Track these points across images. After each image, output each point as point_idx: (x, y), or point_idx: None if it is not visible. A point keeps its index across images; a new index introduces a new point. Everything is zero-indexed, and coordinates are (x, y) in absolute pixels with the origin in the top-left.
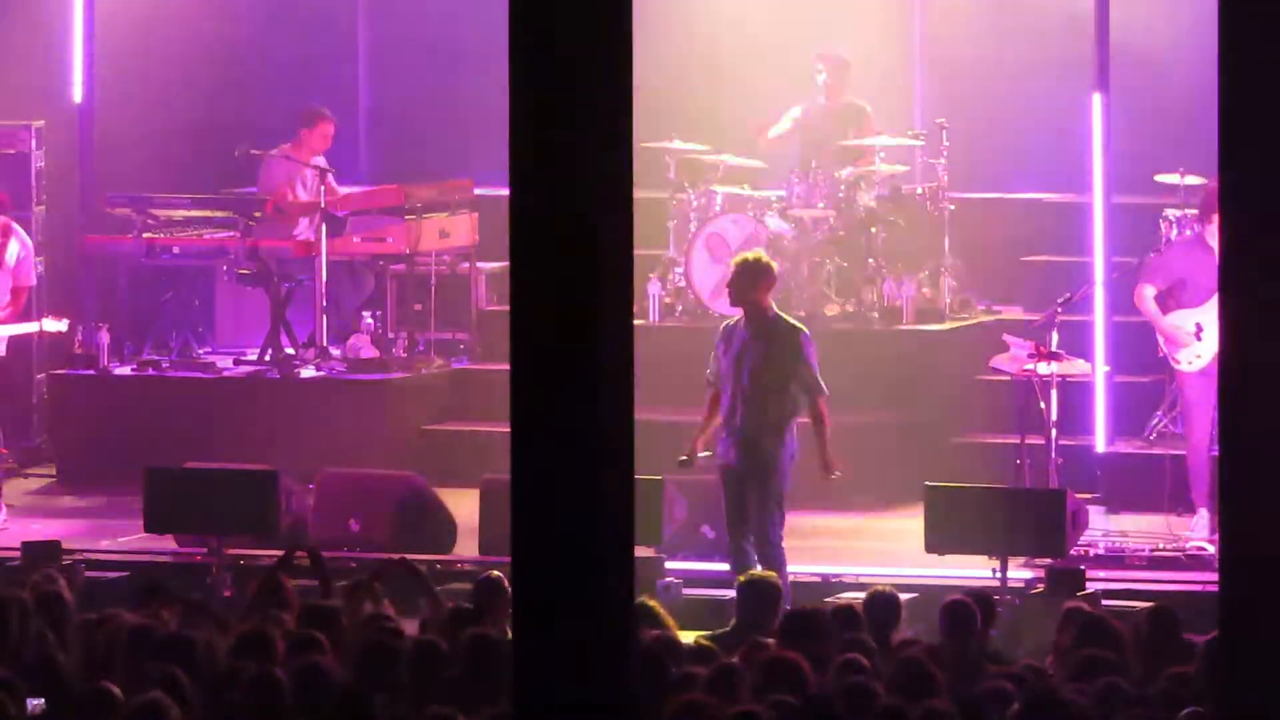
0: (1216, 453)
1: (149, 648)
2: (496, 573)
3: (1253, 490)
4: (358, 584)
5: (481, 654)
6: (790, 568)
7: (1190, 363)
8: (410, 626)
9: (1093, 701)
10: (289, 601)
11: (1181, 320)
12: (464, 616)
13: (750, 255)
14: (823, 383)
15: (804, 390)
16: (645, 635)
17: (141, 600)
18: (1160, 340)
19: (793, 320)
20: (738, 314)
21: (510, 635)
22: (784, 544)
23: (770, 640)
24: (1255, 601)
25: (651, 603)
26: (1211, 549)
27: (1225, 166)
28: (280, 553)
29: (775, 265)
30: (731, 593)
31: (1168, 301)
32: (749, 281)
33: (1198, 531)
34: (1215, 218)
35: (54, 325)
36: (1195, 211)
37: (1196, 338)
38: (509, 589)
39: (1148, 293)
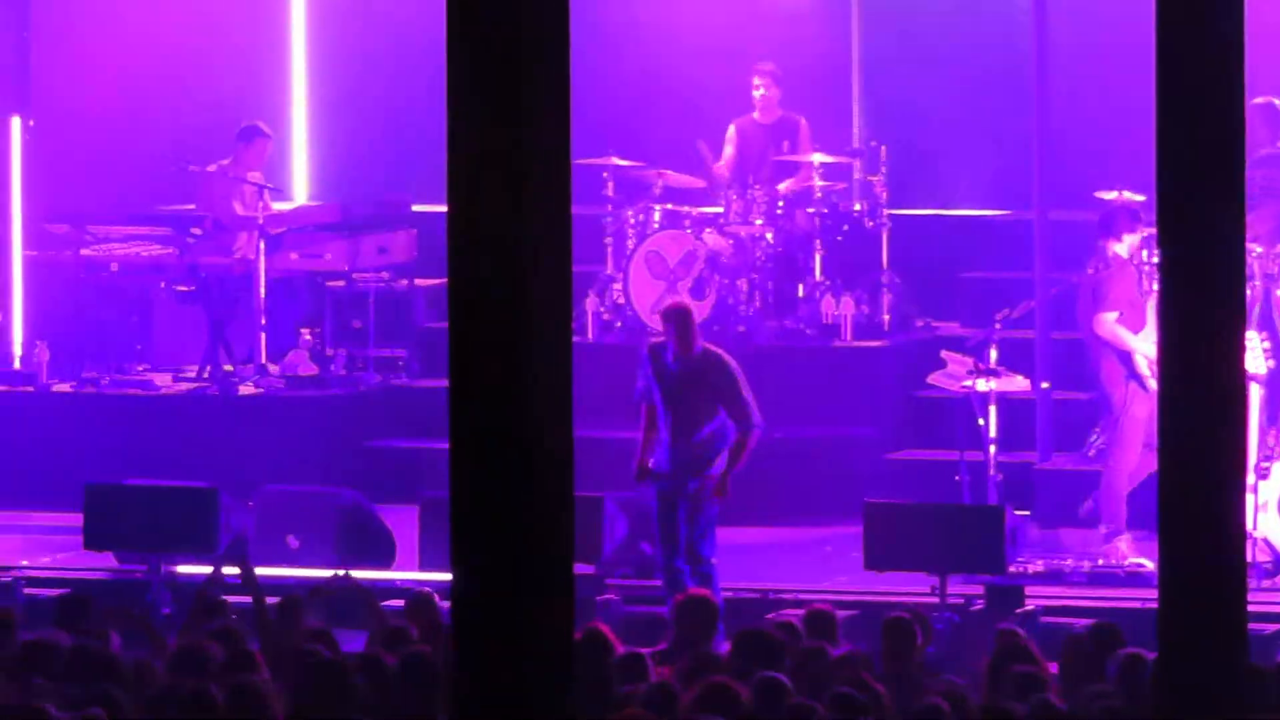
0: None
1: (85, 667)
2: (426, 589)
3: (1191, 508)
4: (294, 600)
5: (414, 672)
6: (729, 584)
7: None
8: (349, 642)
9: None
10: (225, 617)
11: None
12: (406, 634)
13: (676, 305)
14: (756, 415)
15: (735, 419)
16: (591, 652)
17: (69, 617)
18: (1143, 362)
19: (720, 351)
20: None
21: (440, 652)
22: (717, 561)
23: (715, 656)
24: (1194, 618)
25: (602, 627)
26: (1150, 566)
27: (1162, 184)
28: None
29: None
30: None
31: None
32: (692, 326)
33: (1117, 555)
34: (1125, 236)
35: None
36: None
37: None
38: (439, 605)
39: (1112, 318)
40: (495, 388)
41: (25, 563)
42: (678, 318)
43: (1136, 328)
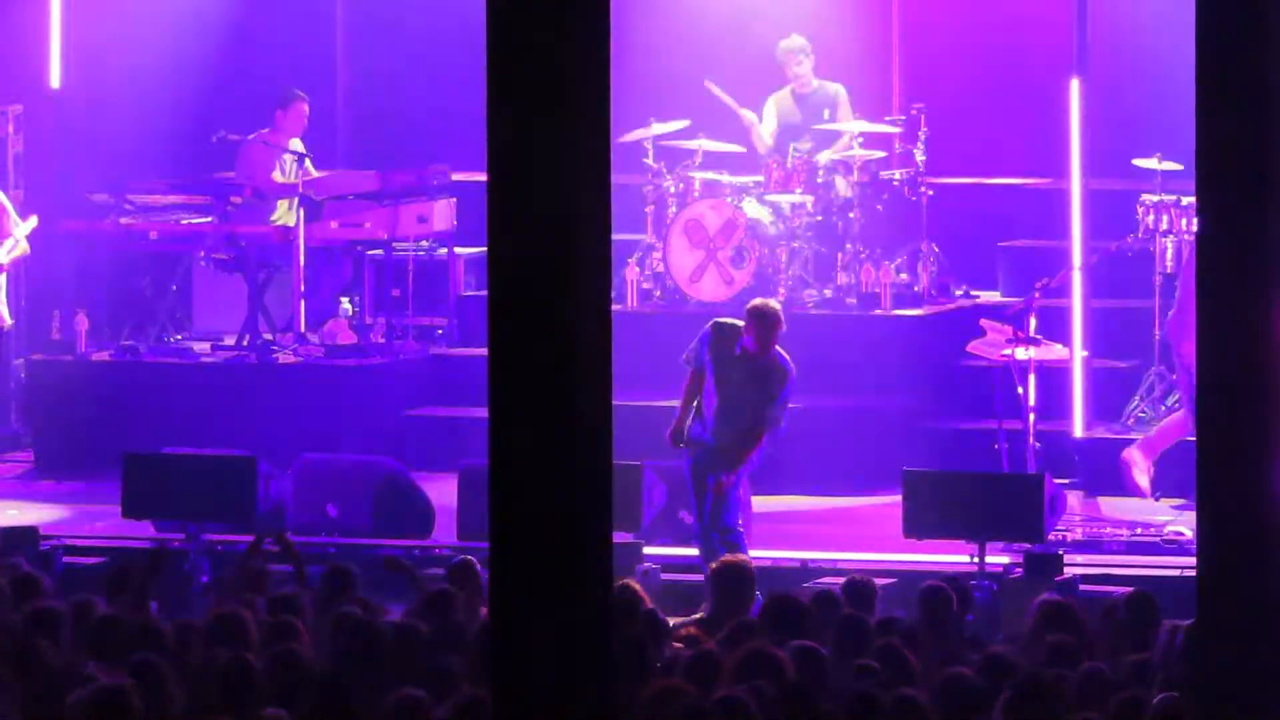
0: None
1: (123, 634)
2: (468, 556)
3: (1229, 476)
4: (335, 570)
5: (454, 638)
6: (768, 553)
7: None
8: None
9: (1074, 687)
10: (263, 588)
11: None
12: (444, 601)
13: (771, 305)
14: (782, 419)
15: (764, 415)
16: (628, 619)
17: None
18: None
19: (787, 357)
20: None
21: (483, 619)
22: (744, 529)
23: (753, 624)
24: (1232, 586)
25: (634, 584)
26: (1189, 534)
27: (1201, 155)
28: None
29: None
30: None
31: None
32: (774, 329)
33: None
34: None
35: (26, 227)
36: (1172, 197)
37: None
38: (480, 572)
39: None
40: (534, 355)
41: (64, 531)
42: (766, 319)
43: None
